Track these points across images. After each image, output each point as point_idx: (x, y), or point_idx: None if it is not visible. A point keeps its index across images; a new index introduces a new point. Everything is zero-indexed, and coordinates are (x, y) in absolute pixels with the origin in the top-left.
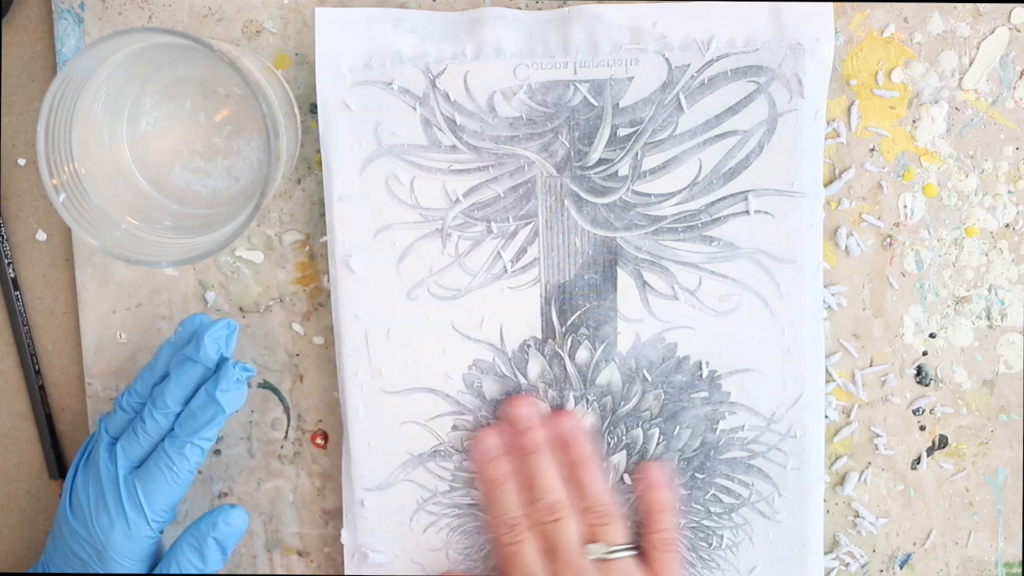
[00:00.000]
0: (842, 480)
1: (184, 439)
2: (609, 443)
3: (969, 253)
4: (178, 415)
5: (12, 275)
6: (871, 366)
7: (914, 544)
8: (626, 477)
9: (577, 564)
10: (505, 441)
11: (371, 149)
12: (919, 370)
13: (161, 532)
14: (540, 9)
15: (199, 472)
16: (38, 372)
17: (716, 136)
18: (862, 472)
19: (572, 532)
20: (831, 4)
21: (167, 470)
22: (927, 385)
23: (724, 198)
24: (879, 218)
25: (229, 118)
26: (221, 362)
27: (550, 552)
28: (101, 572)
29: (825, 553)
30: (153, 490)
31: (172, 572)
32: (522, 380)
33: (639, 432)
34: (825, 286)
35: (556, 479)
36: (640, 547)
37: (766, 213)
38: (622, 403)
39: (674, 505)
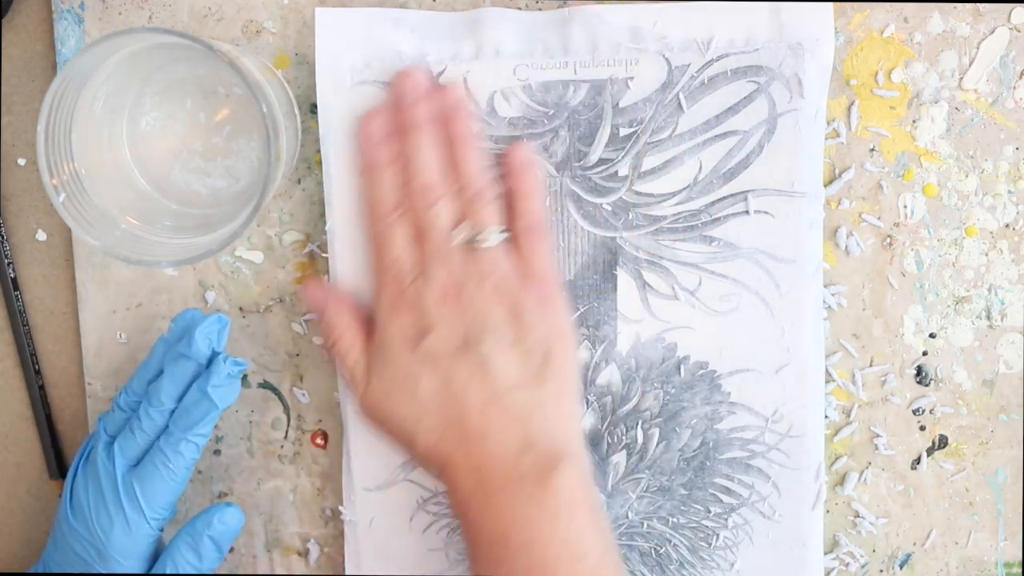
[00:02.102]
0: (842, 480)
1: (179, 436)
2: (609, 443)
3: (969, 253)
4: (173, 412)
5: (12, 275)
6: (871, 366)
7: (914, 544)
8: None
9: (444, 250)
10: (386, 121)
11: None
12: (919, 370)
13: (161, 530)
14: (540, 10)
15: (199, 472)
16: (38, 372)
17: (716, 136)
18: (862, 472)
19: (444, 217)
20: (831, 4)
21: (163, 468)
22: (927, 385)
23: (724, 198)
24: (879, 218)
25: (229, 118)
26: (213, 357)
27: (420, 238)
28: (101, 572)
29: (825, 553)
30: (151, 488)
31: (169, 571)
32: None
33: (639, 432)
34: (825, 286)
35: (432, 159)
36: (510, 231)
37: (766, 213)
38: (622, 403)
39: (541, 187)
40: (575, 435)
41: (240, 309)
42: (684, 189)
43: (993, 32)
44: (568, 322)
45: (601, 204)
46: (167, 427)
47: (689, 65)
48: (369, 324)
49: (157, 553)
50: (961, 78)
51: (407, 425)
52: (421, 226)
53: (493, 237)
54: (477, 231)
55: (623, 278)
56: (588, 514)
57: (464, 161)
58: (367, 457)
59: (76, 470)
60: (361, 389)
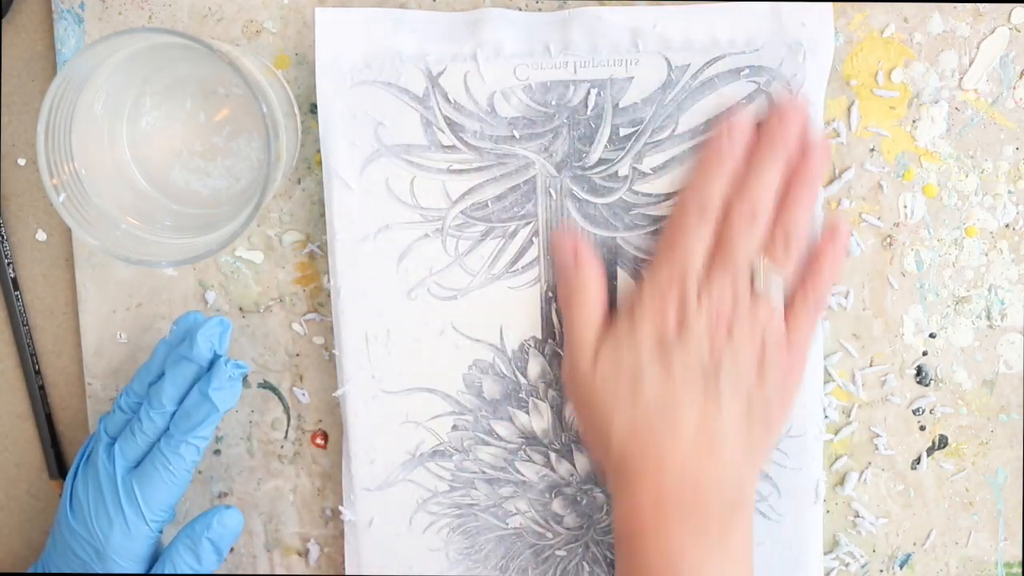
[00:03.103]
0: (842, 480)
1: (179, 438)
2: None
3: (969, 253)
4: (174, 414)
5: (12, 275)
6: (871, 366)
7: (914, 544)
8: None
9: (735, 274)
10: (753, 126)
11: (371, 149)
12: (919, 370)
13: (160, 532)
14: (540, 10)
15: (199, 472)
16: (38, 372)
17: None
18: (862, 472)
19: (751, 243)
20: (831, 4)
21: (164, 470)
22: (927, 385)
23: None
24: (879, 218)
25: (229, 118)
26: (214, 360)
27: (719, 247)
28: (101, 572)
29: (825, 553)
30: (150, 490)
31: (168, 572)
32: (522, 380)
33: None
34: None
35: (772, 187)
36: (789, 292)
37: None
38: None
39: (840, 269)
40: (753, 494)
41: (240, 309)
42: None
43: (993, 32)
44: (793, 404)
45: (601, 204)
46: (168, 429)
47: (689, 65)
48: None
49: (156, 555)
50: (961, 78)
51: (613, 415)
52: (728, 235)
53: (779, 291)
54: (775, 278)
55: (623, 278)
56: (751, 564)
57: (798, 206)
58: (367, 457)
59: (76, 471)
60: (587, 362)
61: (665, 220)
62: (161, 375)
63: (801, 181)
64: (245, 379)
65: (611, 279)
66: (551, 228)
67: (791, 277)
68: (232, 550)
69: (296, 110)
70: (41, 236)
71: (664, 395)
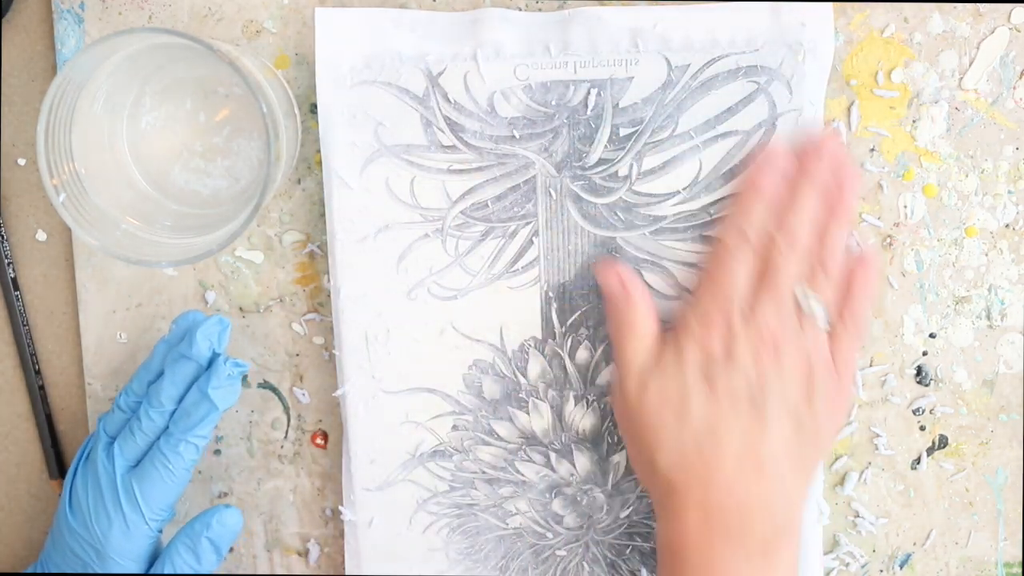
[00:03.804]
0: (842, 480)
1: (179, 437)
2: (609, 443)
3: (969, 253)
4: (173, 413)
5: (12, 275)
6: (871, 366)
7: (914, 544)
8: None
9: (781, 300)
10: (789, 162)
11: (371, 149)
12: (919, 370)
13: (160, 531)
14: (540, 10)
15: (199, 472)
16: (38, 372)
17: (716, 136)
18: (862, 472)
19: (793, 269)
20: (831, 4)
21: (163, 469)
22: (927, 385)
23: (724, 198)
24: (879, 218)
25: (229, 118)
26: (214, 358)
27: (763, 274)
28: (100, 572)
29: (825, 553)
30: (150, 489)
31: (167, 572)
32: (522, 380)
33: None
34: None
35: (811, 216)
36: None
37: None
38: None
39: (875, 294)
40: (801, 515)
41: (240, 309)
42: (684, 189)
43: (993, 32)
44: (841, 427)
45: (601, 204)
46: (167, 428)
47: (689, 65)
48: (657, 318)
49: (156, 554)
50: (961, 78)
51: (660, 438)
52: (770, 264)
53: (823, 316)
54: (818, 304)
55: None
56: None
57: (834, 236)
58: (367, 457)
59: (76, 470)
60: (636, 391)
61: (704, 254)
62: (160, 374)
63: (836, 212)
64: (245, 379)
65: None
66: (551, 228)
67: (832, 303)
68: (232, 550)
69: (296, 110)
70: (41, 236)
71: (710, 418)
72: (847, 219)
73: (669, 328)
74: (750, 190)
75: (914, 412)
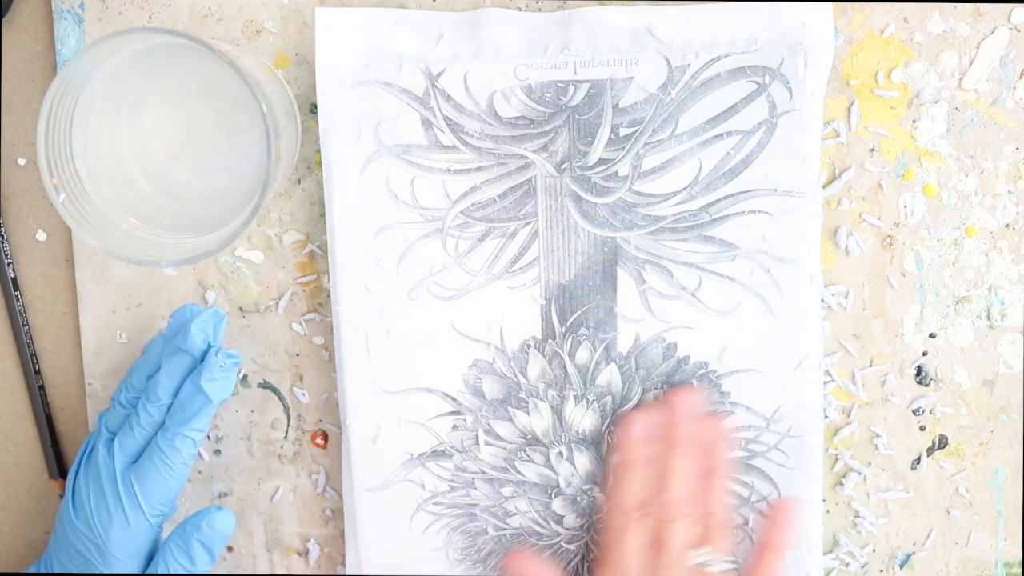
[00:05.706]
0: (842, 480)
1: (175, 431)
2: (609, 443)
3: (969, 253)
4: (170, 407)
5: (12, 275)
6: (871, 366)
7: (914, 544)
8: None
9: (677, 567)
10: (652, 426)
11: (371, 149)
12: (919, 370)
13: (161, 527)
14: (540, 10)
15: (199, 472)
16: (38, 372)
17: (716, 136)
18: (862, 472)
19: (682, 535)
20: (831, 4)
21: (161, 463)
22: (927, 385)
23: (724, 198)
24: (879, 218)
25: (229, 118)
26: (208, 352)
27: (655, 548)
28: (100, 571)
29: (825, 553)
30: (149, 484)
31: (161, 572)
32: (522, 380)
33: None
34: (825, 286)
35: (686, 479)
36: (741, 571)
37: (766, 213)
38: (622, 403)
39: (788, 546)
40: None
41: (240, 309)
42: (684, 189)
43: (993, 32)
44: None
45: (601, 204)
46: (164, 423)
47: (689, 65)
48: None
49: (155, 551)
50: (961, 78)
51: None
52: (659, 536)
53: (723, 566)
54: (713, 557)
55: (623, 278)
56: None
57: (715, 491)
58: (367, 457)
59: (78, 467)
60: None
61: (598, 539)
62: (159, 369)
63: (712, 467)
64: (245, 379)
65: (611, 279)
66: (551, 228)
67: (730, 544)
68: (232, 550)
69: (296, 110)
70: (41, 236)
71: None
72: (723, 472)
73: None
74: (621, 467)
75: (914, 412)
